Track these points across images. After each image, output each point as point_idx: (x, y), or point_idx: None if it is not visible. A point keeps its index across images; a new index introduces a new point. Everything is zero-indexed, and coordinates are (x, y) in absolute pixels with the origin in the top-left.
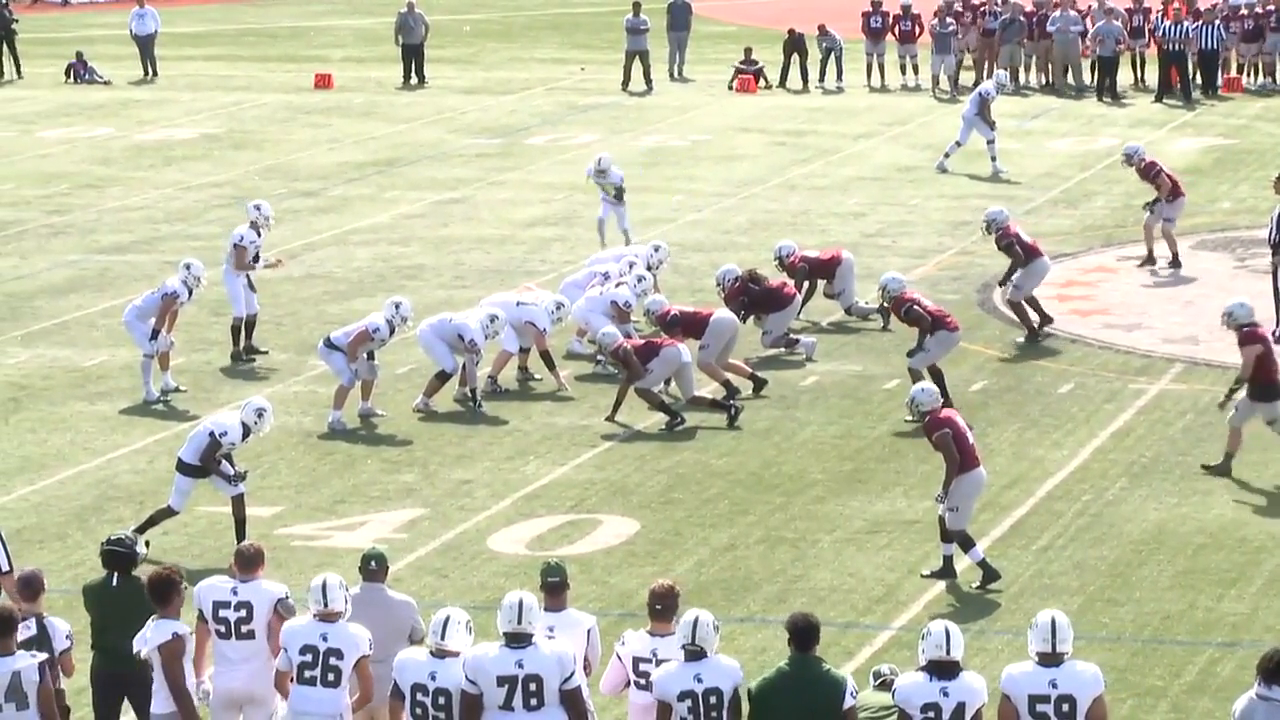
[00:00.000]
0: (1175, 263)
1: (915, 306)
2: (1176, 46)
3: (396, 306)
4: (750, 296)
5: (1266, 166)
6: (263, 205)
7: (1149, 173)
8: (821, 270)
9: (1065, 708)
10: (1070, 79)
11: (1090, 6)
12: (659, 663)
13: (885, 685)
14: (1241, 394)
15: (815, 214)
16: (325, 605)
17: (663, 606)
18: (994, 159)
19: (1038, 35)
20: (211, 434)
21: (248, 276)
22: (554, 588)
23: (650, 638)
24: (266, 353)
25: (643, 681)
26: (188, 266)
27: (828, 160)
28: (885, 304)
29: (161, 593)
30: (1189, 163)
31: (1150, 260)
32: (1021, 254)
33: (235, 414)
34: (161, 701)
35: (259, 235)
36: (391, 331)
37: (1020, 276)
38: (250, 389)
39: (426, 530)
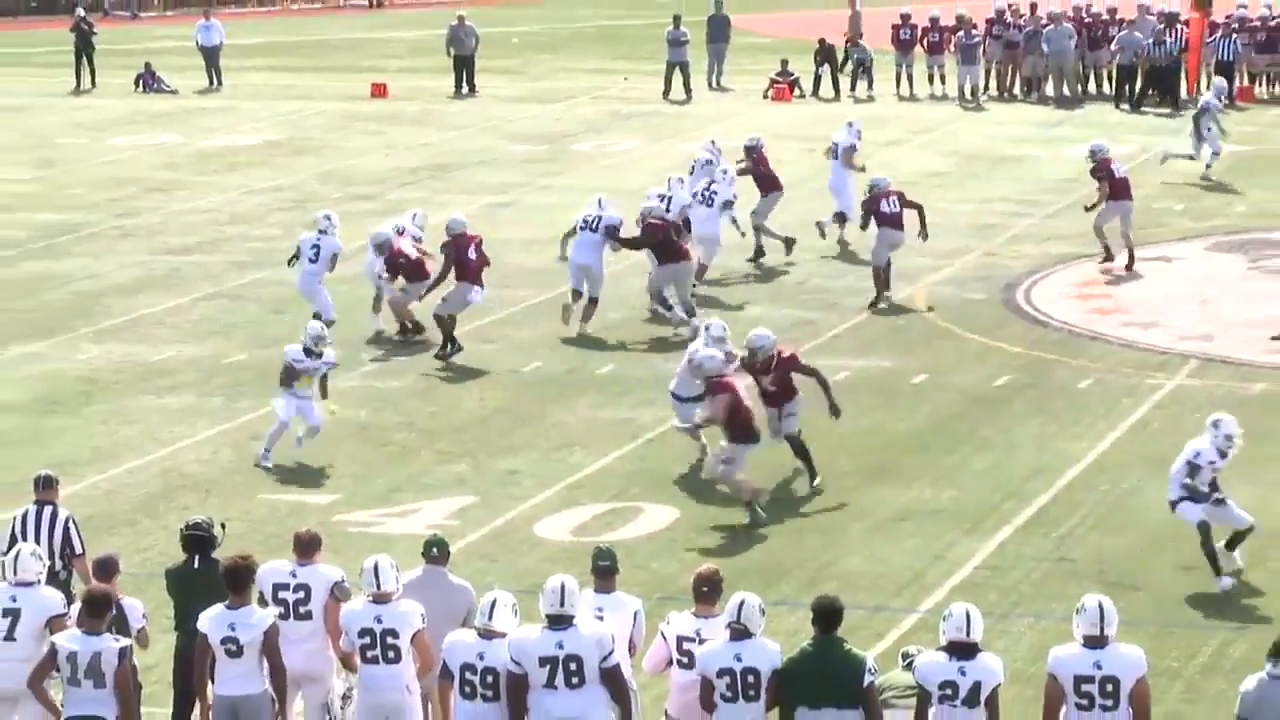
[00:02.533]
0: (1130, 267)
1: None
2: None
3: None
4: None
5: (1277, 170)
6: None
7: (1098, 172)
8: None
9: (1109, 688)
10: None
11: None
12: (702, 641)
13: (911, 666)
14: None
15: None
16: (378, 587)
17: (708, 588)
18: (1208, 164)
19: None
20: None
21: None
22: (604, 571)
23: (695, 619)
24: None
25: (685, 660)
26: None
27: None
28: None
29: (241, 580)
30: (1204, 168)
31: (1109, 258)
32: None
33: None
34: (255, 682)
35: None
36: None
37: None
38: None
39: (476, 517)
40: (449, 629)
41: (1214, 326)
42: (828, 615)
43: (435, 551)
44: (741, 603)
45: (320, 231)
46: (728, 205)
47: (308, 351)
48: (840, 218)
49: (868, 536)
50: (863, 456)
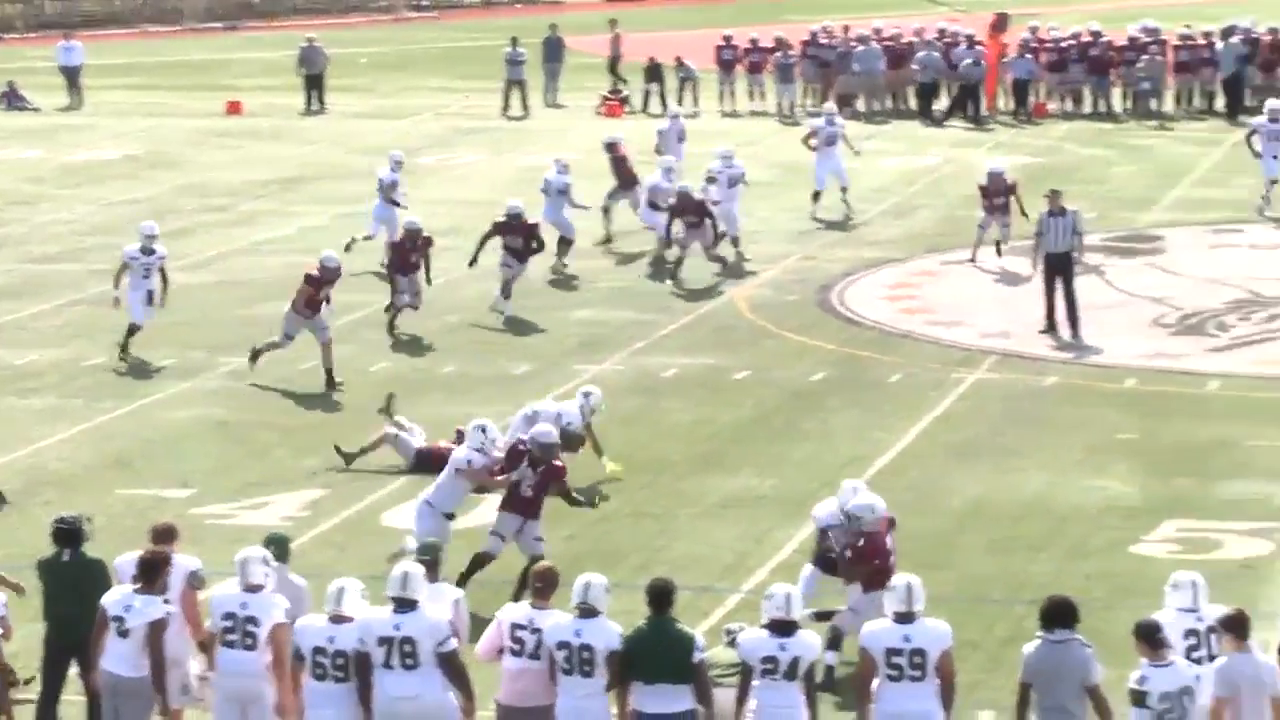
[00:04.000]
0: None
1: None
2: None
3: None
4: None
5: (1072, 182)
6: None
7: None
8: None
9: (917, 659)
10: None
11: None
12: (534, 631)
13: (734, 644)
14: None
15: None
16: (248, 579)
17: (542, 584)
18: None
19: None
20: None
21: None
22: (426, 565)
23: (530, 609)
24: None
25: (516, 648)
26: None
27: (684, 177)
28: None
29: (149, 569)
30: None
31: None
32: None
33: None
34: (131, 666)
35: None
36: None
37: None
38: (168, 384)
39: (327, 508)
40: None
41: (1011, 325)
42: (660, 596)
43: (275, 550)
44: (588, 584)
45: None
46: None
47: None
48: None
49: (696, 522)
50: (691, 447)
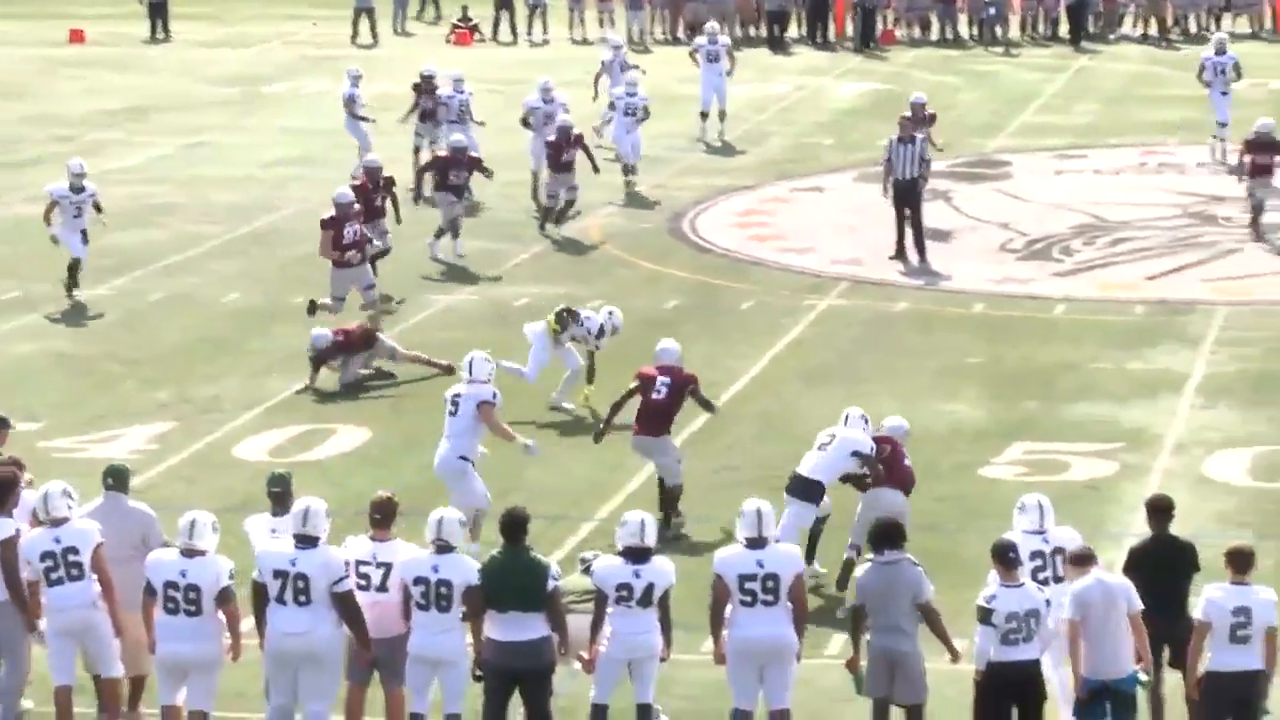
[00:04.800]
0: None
1: None
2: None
3: (610, 314)
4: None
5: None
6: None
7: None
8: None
9: (770, 584)
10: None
11: None
12: (379, 565)
13: (589, 571)
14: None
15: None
16: (49, 513)
17: (381, 515)
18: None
19: None
20: None
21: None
22: (277, 497)
23: (371, 542)
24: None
25: (363, 583)
26: None
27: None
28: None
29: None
30: (851, 105)
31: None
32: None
33: None
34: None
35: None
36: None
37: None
38: (12, 317)
39: (177, 442)
40: (129, 551)
41: (862, 251)
42: (514, 525)
43: (112, 480)
44: (441, 519)
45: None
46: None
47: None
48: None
49: (550, 451)
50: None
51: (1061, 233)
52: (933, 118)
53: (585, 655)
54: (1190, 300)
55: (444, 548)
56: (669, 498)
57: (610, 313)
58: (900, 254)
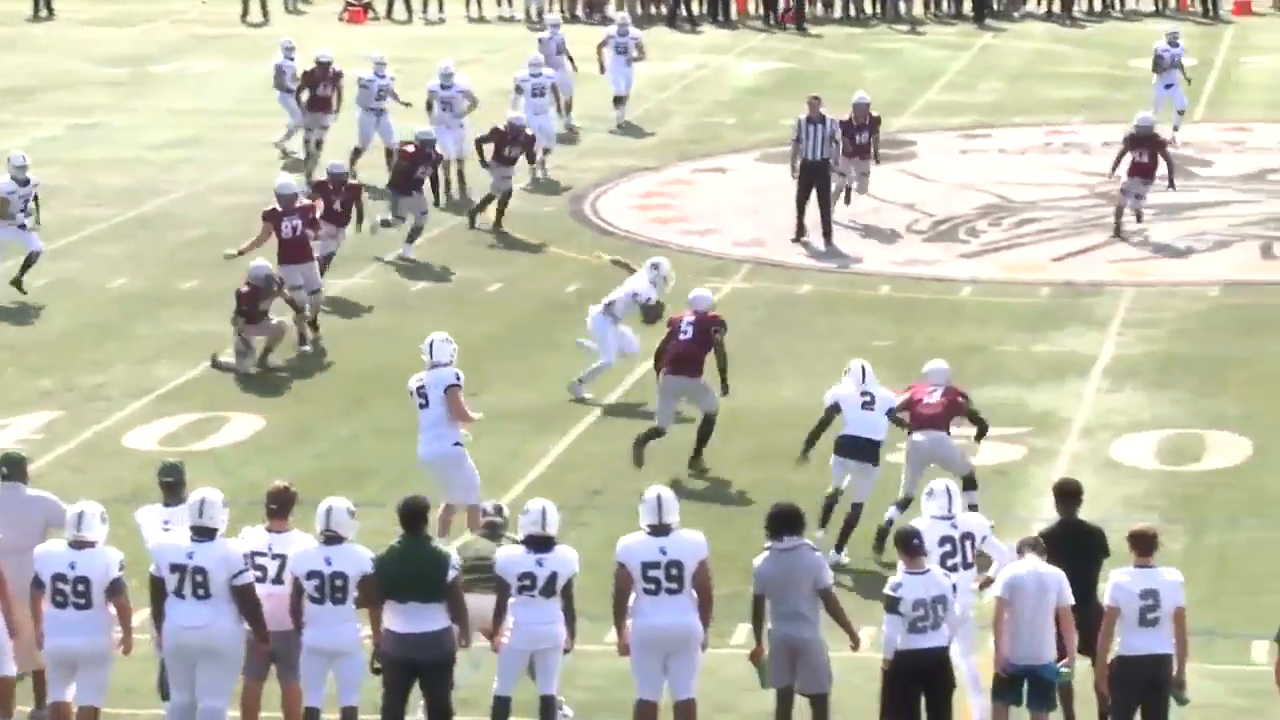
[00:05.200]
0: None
1: None
2: None
3: (656, 267)
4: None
5: (824, 87)
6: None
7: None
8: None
9: (674, 571)
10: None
11: None
12: (275, 556)
13: (493, 529)
14: None
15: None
16: None
17: (278, 506)
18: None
19: None
20: None
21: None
22: (169, 487)
23: (268, 533)
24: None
25: (259, 574)
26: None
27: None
28: None
29: None
30: (754, 84)
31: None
32: None
33: None
34: None
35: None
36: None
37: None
38: None
39: (63, 431)
40: (30, 540)
41: (766, 233)
42: (413, 514)
43: (7, 470)
44: (330, 509)
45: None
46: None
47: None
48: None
49: None
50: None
51: (967, 214)
52: (876, 121)
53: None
54: (1096, 282)
55: (333, 538)
56: (707, 429)
57: (655, 265)
58: (800, 236)
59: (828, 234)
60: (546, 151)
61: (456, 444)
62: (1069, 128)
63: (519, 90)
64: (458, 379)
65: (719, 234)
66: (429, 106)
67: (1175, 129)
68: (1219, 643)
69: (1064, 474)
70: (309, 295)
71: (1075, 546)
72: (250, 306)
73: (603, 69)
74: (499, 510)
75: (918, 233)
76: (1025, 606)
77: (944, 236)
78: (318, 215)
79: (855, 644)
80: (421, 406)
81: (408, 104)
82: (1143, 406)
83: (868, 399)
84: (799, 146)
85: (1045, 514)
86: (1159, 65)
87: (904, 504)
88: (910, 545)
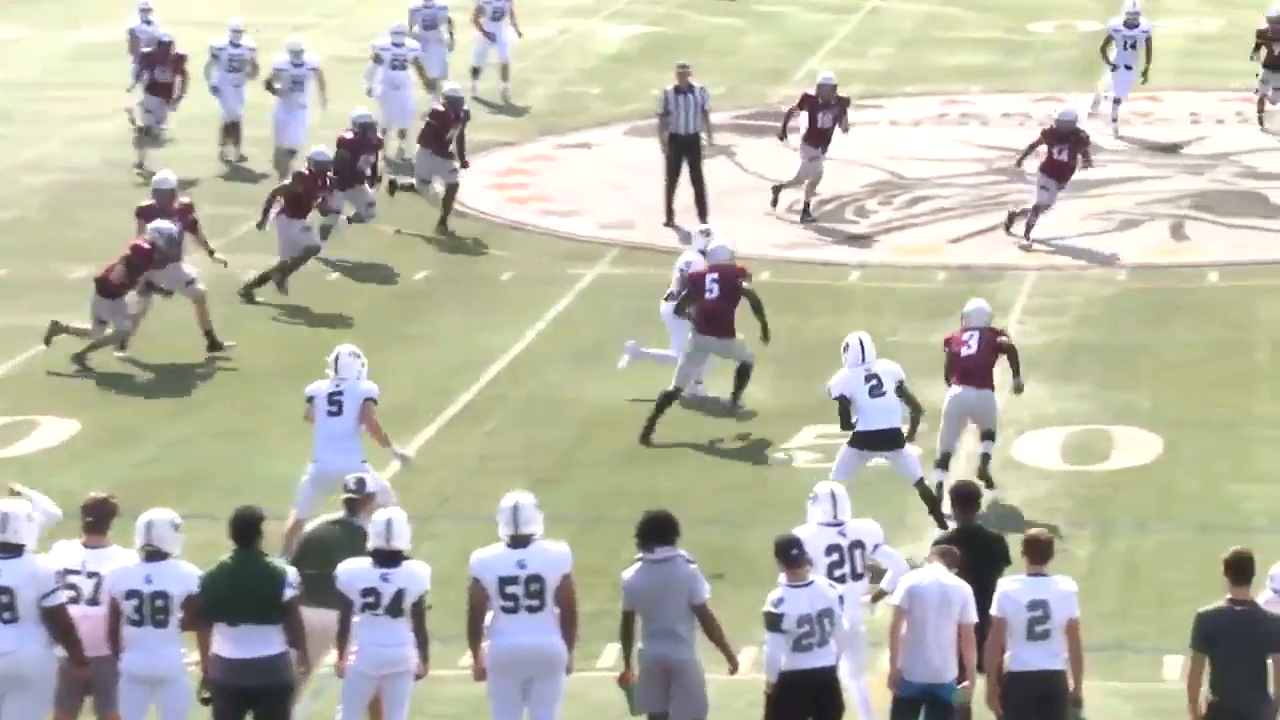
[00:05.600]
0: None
1: None
2: None
3: (706, 235)
4: None
5: (699, 54)
6: None
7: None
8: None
9: (534, 587)
10: None
11: None
12: (89, 574)
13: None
14: None
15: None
16: None
17: (94, 519)
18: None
19: None
20: None
21: None
22: None
23: (84, 549)
24: None
25: (73, 594)
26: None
27: (267, 52)
28: None
29: None
30: (618, 50)
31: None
32: None
33: None
34: None
35: None
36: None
37: None
38: None
39: None
40: None
41: (635, 213)
42: (245, 527)
43: None
44: (150, 522)
45: None
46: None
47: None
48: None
49: (288, 441)
50: (282, 357)
51: (855, 192)
52: (845, 102)
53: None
54: (996, 265)
55: (155, 554)
56: (744, 377)
57: (706, 233)
58: (671, 218)
59: (703, 214)
60: (402, 134)
61: (364, 460)
62: (965, 98)
63: (378, 60)
64: (376, 394)
65: (584, 215)
66: (270, 86)
67: (1114, 119)
68: (1128, 658)
69: (962, 476)
70: (187, 287)
71: (973, 555)
72: (143, 266)
73: (490, 36)
74: (360, 485)
75: (801, 212)
76: (926, 619)
77: (830, 217)
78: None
79: (734, 666)
80: (331, 414)
81: (276, 90)
82: (1046, 401)
83: (874, 383)
84: (667, 120)
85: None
86: (1114, 47)
87: (944, 461)
88: (790, 555)
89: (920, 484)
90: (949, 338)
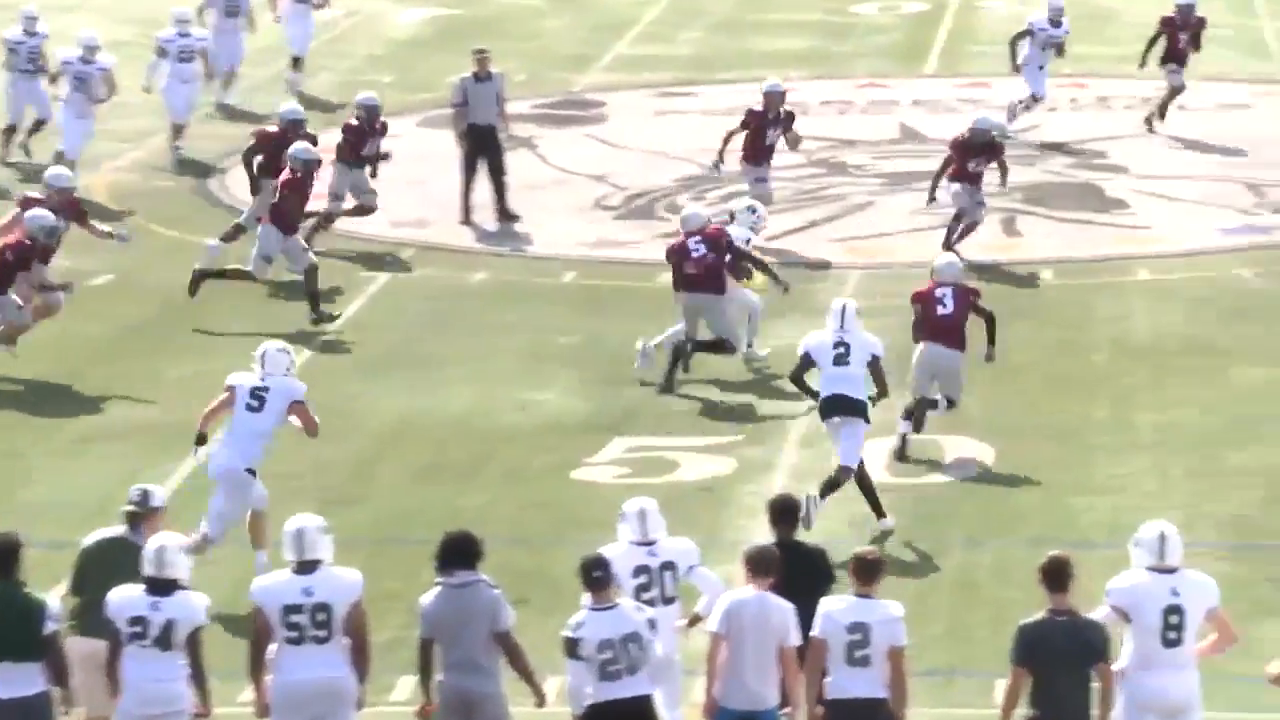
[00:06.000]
0: None
1: None
2: None
3: (754, 212)
4: None
5: (495, 37)
6: None
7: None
8: None
9: (321, 616)
10: None
11: None
12: None
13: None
14: None
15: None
16: None
17: None
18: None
19: None
20: None
21: None
22: None
23: None
24: None
25: None
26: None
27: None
28: None
29: None
30: (412, 34)
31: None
32: None
33: None
34: None
35: None
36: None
37: None
38: None
39: None
40: None
41: (430, 210)
42: (3, 555)
43: None
44: None
45: None
46: None
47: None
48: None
49: (51, 461)
50: (42, 368)
51: (666, 186)
52: (790, 117)
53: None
54: (818, 263)
55: None
56: (717, 347)
57: (753, 210)
58: (469, 216)
59: (503, 211)
60: (180, 129)
61: (250, 470)
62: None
63: (162, 53)
64: (303, 395)
65: (374, 213)
66: (53, 80)
67: (1016, 114)
68: (960, 682)
69: (781, 489)
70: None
71: (794, 573)
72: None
73: (290, 23)
74: (144, 498)
75: (608, 209)
76: (744, 641)
77: (639, 213)
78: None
79: (540, 699)
80: (251, 409)
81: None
82: (872, 410)
83: (842, 350)
84: (464, 110)
85: (759, 536)
86: (1033, 44)
87: (909, 414)
88: (592, 577)
89: (842, 470)
90: (918, 293)
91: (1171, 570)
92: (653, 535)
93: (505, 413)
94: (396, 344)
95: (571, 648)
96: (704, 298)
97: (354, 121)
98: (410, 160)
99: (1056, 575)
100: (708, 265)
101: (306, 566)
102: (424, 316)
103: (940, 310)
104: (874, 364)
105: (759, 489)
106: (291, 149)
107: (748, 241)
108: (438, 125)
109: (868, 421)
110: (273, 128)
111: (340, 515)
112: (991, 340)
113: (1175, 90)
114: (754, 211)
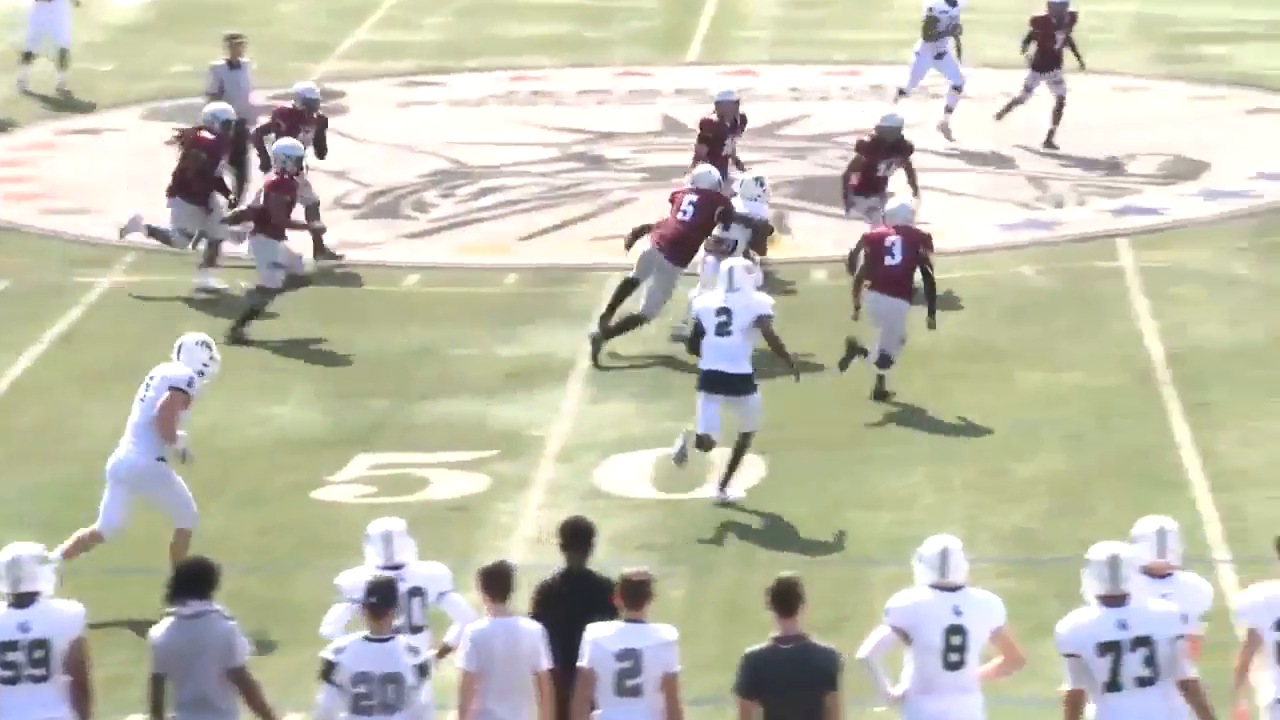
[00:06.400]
0: None
1: None
2: None
3: (760, 183)
4: None
5: (219, 23)
6: None
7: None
8: None
9: (39, 654)
10: None
11: None
12: None
13: None
14: None
15: None
16: None
17: None
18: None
19: None
20: None
21: None
22: None
23: None
24: None
25: None
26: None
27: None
28: None
29: None
30: (133, 19)
31: None
32: None
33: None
34: None
35: None
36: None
37: None
38: None
39: None
40: None
41: (155, 210)
42: None
43: None
44: None
45: None
46: None
47: None
48: None
49: None
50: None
51: (412, 182)
52: (743, 120)
53: None
54: (575, 266)
55: None
56: (628, 324)
57: (759, 181)
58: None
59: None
60: None
61: (160, 459)
62: (537, 73)
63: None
64: (189, 385)
65: (94, 213)
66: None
67: (949, 110)
68: (730, 711)
69: (538, 507)
70: None
71: (581, 604)
72: None
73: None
74: None
75: (350, 207)
76: (492, 670)
77: (383, 212)
78: None
79: None
80: (140, 399)
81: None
82: (634, 420)
83: (723, 319)
84: (220, 100)
85: (515, 559)
86: (931, 30)
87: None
88: (370, 603)
89: (745, 436)
90: (868, 236)
91: (955, 588)
92: (400, 558)
93: (238, 428)
94: (119, 355)
95: (327, 670)
96: (674, 269)
97: (293, 106)
98: (133, 156)
99: (784, 598)
100: (680, 234)
101: (23, 600)
102: (149, 325)
103: (888, 260)
104: (762, 325)
105: (514, 507)
106: (277, 146)
107: (761, 218)
108: (163, 117)
109: (751, 393)
110: (206, 132)
111: (59, 543)
112: (931, 308)
113: (1061, 100)
114: (760, 182)
